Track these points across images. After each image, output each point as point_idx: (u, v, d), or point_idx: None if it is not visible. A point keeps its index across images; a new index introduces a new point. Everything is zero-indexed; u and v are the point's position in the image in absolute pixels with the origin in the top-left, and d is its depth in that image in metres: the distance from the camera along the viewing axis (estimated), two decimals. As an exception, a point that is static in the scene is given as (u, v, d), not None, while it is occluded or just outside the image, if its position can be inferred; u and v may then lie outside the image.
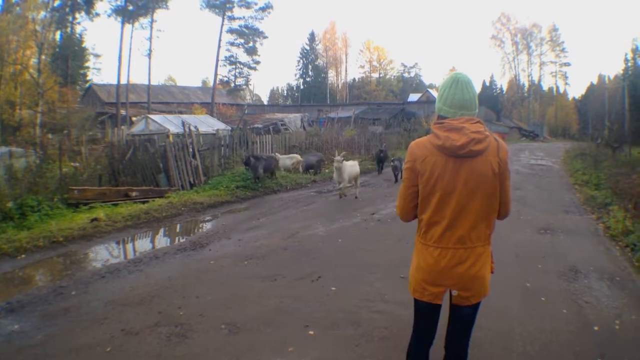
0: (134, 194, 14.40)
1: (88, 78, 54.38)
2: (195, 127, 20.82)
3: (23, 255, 8.73)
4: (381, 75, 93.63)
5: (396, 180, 18.01)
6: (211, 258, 8.36)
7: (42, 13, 39.63)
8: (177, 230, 11.27)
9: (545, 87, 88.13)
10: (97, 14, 48.77)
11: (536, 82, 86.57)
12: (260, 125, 36.48)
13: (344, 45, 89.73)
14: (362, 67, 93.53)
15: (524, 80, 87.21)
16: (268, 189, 16.13)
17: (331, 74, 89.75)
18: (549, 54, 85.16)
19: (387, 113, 48.46)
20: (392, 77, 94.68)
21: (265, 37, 59.66)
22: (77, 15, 47.67)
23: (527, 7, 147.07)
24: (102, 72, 65.71)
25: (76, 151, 20.36)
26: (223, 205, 13.87)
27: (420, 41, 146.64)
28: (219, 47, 53.85)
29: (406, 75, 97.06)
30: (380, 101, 65.82)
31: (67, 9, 46.77)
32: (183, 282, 7.09)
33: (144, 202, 13.73)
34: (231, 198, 14.59)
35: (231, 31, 56.93)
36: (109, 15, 46.96)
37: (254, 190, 15.64)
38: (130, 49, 46.82)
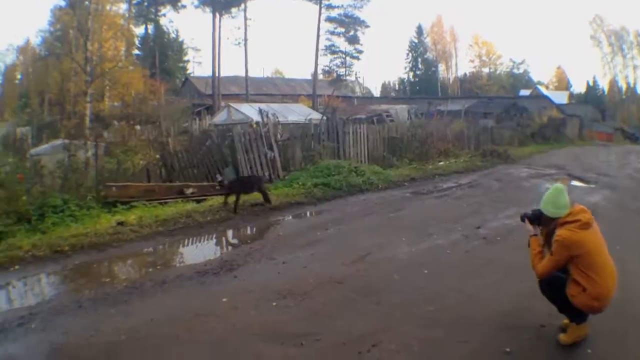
0: (189, 191, 12.26)
1: (189, 72, 54.35)
2: (274, 114, 18.55)
3: (17, 267, 7.40)
4: (491, 70, 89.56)
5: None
6: (229, 291, 5.89)
7: (123, 6, 39.75)
8: (214, 242, 9.05)
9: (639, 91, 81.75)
10: (184, 6, 48.49)
11: (632, 85, 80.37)
12: (363, 116, 33.52)
13: (452, 39, 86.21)
14: (472, 61, 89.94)
15: (622, 83, 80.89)
16: (354, 188, 13.40)
17: (441, 67, 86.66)
18: (639, 58, 78.23)
19: (499, 107, 44.56)
20: (502, 73, 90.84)
21: (367, 27, 56.43)
22: (162, 7, 47.56)
23: (617, 9, 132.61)
24: (202, 65, 65.83)
25: (164, 143, 18.73)
26: (291, 208, 11.39)
27: (526, 38, 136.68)
28: (318, 36, 51.17)
29: (515, 71, 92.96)
30: (491, 95, 61.70)
31: (146, 3, 47.03)
32: (165, 331, 4.85)
33: (199, 201, 11.64)
34: (304, 199, 12.05)
35: (330, 20, 54.09)
36: (196, 7, 46.40)
37: (337, 190, 13.04)
38: (220, 39, 45.17)
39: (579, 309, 4.37)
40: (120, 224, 9.27)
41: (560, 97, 59.91)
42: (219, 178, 11.45)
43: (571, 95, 72.15)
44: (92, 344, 4.73)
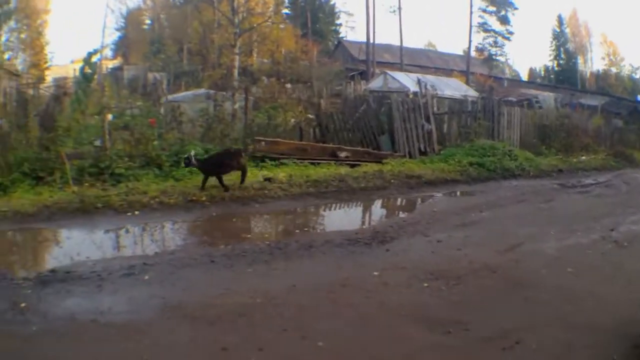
0: (343, 154, 12.52)
1: (341, 35, 54.91)
2: (432, 86, 18.51)
3: (137, 212, 7.34)
4: (617, 71, 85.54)
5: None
6: (380, 265, 5.85)
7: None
8: (365, 210, 9.24)
9: None
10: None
11: None
12: (514, 99, 33.57)
13: (586, 33, 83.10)
14: (603, 59, 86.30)
15: None
16: (507, 172, 13.50)
17: (580, 60, 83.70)
18: None
19: (625, 108, 43.15)
20: (625, 75, 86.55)
21: (515, 8, 55.60)
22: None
23: None
24: (355, 30, 66.46)
25: (317, 103, 19.09)
26: (446, 184, 11.64)
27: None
28: (471, 12, 49.63)
29: (634, 75, 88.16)
30: (619, 95, 58.79)
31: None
32: (306, 300, 4.79)
33: (352, 166, 11.93)
34: (459, 176, 12.36)
35: (480, -2, 53.64)
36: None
37: (491, 171, 13.17)
38: (375, 5, 44.40)
39: None
40: (268, 179, 9.50)
41: (657, 110, 57.56)
42: (192, 153, 9.04)
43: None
44: (219, 304, 4.46)
